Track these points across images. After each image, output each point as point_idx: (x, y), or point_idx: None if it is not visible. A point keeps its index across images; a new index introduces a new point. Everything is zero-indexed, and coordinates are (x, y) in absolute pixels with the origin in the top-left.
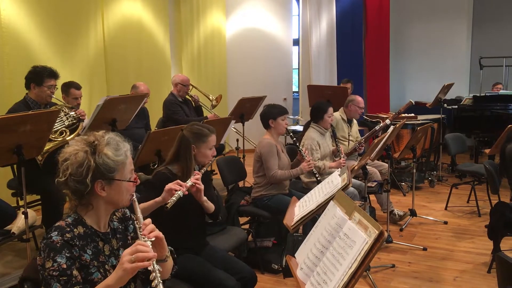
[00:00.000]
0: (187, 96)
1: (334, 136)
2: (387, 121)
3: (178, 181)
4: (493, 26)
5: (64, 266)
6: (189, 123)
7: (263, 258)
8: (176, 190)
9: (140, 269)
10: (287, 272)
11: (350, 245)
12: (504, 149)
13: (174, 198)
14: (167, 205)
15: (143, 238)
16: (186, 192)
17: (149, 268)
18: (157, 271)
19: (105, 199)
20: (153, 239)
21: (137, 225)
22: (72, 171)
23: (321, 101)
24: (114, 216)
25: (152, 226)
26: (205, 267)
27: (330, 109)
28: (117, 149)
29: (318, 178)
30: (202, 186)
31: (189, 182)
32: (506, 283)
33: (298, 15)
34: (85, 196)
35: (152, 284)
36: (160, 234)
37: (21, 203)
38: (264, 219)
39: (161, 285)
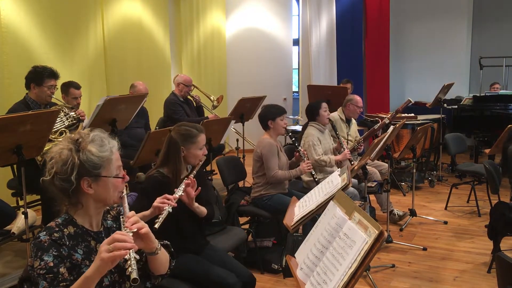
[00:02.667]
0: (188, 96)
1: (334, 131)
2: (386, 120)
3: (166, 195)
4: (493, 26)
5: (51, 264)
6: (177, 124)
7: (263, 258)
8: (164, 207)
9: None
10: (287, 272)
11: (350, 245)
12: (506, 149)
13: (162, 217)
14: (155, 225)
15: (125, 230)
16: (175, 205)
17: (125, 257)
18: (132, 259)
19: (93, 197)
20: (134, 230)
21: (121, 219)
22: (57, 169)
23: (311, 102)
24: (109, 215)
25: (135, 218)
26: (204, 266)
27: (323, 104)
28: (102, 145)
29: (316, 179)
30: (193, 193)
31: (178, 193)
32: (506, 283)
33: (298, 15)
34: (73, 195)
35: (126, 272)
36: (144, 226)
37: (21, 203)
38: (264, 219)
39: (135, 272)
